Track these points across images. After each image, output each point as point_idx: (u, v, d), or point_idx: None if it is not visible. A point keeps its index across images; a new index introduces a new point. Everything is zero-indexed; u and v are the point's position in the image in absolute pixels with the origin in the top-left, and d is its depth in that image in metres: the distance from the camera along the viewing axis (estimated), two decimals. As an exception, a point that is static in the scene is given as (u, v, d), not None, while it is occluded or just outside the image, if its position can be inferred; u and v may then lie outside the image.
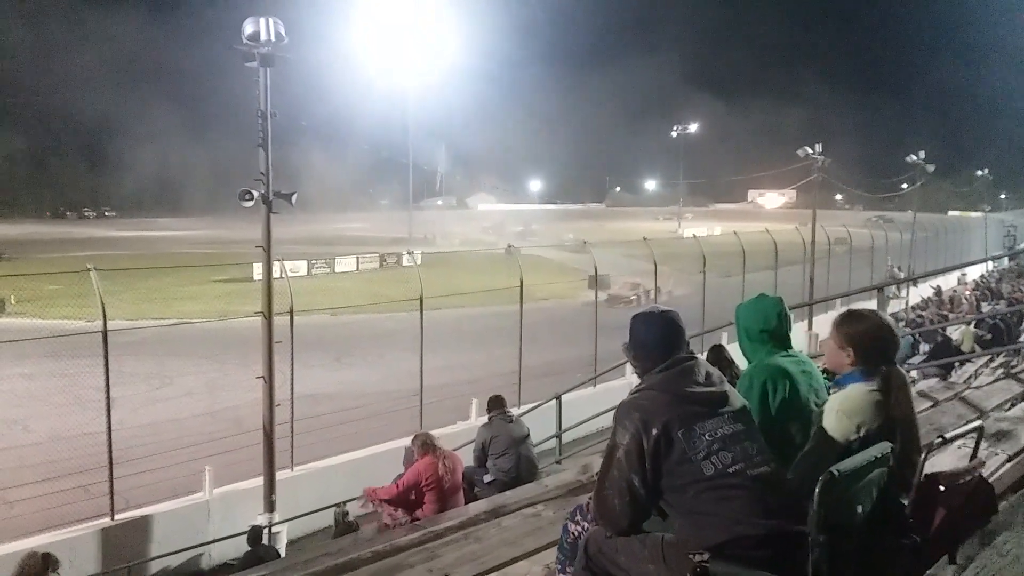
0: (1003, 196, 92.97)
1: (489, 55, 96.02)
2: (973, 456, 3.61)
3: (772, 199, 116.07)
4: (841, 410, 2.76)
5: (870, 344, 2.86)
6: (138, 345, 18.53)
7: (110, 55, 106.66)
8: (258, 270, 14.75)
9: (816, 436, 2.78)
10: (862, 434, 2.69)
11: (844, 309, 3.31)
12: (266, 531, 11.18)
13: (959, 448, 3.94)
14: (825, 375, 3.34)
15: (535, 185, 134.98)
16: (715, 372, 2.64)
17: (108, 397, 10.65)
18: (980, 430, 3.81)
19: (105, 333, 10.66)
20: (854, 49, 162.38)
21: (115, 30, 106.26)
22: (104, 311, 10.65)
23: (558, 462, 10.08)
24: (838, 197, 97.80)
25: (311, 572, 4.54)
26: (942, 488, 2.69)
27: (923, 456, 2.68)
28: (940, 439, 3.88)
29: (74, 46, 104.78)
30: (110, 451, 10.63)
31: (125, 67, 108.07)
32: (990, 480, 3.44)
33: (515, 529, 4.69)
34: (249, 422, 13.31)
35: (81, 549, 10.25)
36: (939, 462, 3.25)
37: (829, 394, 2.99)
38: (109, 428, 10.64)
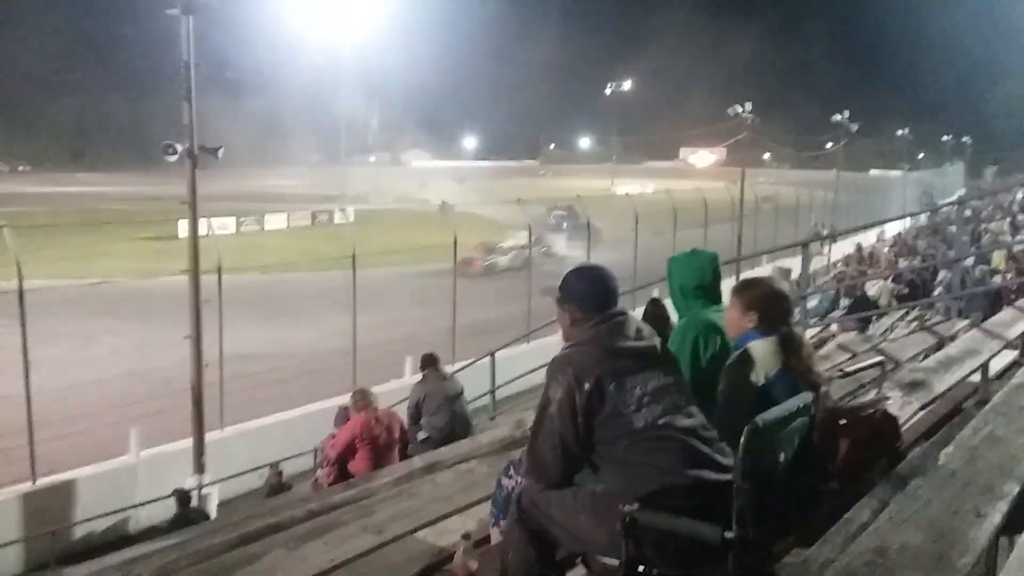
0: (921, 155, 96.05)
1: (423, 10, 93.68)
2: (878, 391, 3.77)
3: (703, 157, 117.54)
4: (746, 361, 2.89)
5: (771, 306, 3.00)
6: (60, 305, 17.86)
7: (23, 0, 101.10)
8: (184, 227, 14.33)
9: (726, 389, 2.88)
10: (764, 381, 2.84)
11: (774, 274, 3.42)
12: (195, 493, 11.04)
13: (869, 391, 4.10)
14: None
15: (469, 142, 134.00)
16: (646, 327, 2.66)
17: (26, 358, 10.29)
18: (882, 365, 3.98)
19: (21, 292, 10.27)
20: (784, 8, 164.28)
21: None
22: (19, 270, 10.23)
23: (492, 419, 10.17)
24: (767, 156, 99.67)
25: (244, 532, 4.50)
26: (843, 422, 2.87)
27: (822, 391, 2.85)
28: (840, 372, 4.05)
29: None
30: (29, 413, 10.31)
31: (40, 13, 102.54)
32: (904, 428, 3.58)
33: (449, 485, 4.72)
34: (177, 383, 13.04)
35: (2, 515, 9.96)
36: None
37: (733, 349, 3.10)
38: (28, 390, 10.30)
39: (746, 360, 2.91)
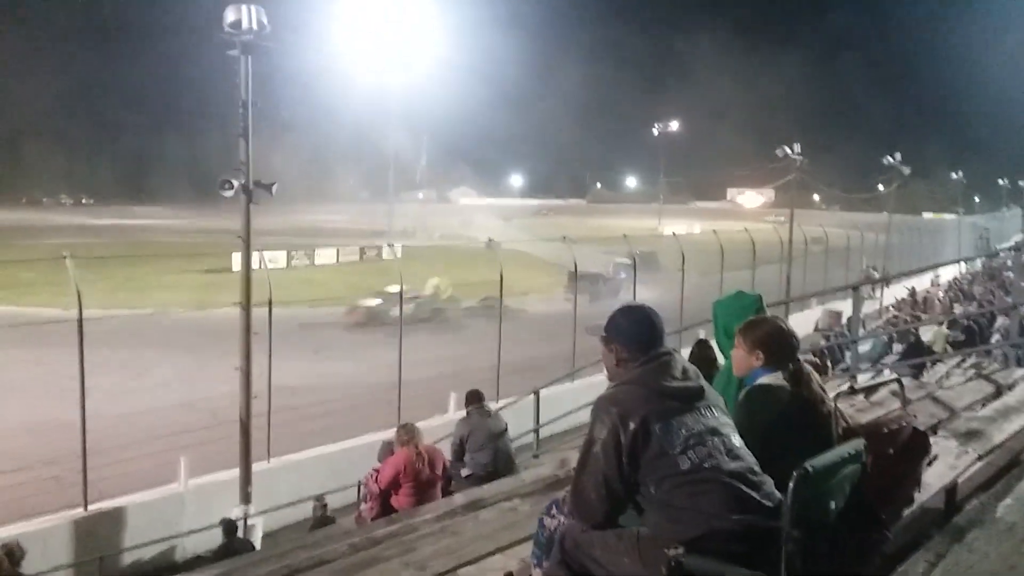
0: (976, 199, 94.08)
1: (472, 50, 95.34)
2: (904, 407, 3.68)
3: (751, 198, 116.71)
4: (756, 397, 2.88)
5: (776, 344, 2.98)
6: (114, 334, 18.32)
7: (89, 39, 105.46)
8: (237, 260, 14.64)
9: (739, 426, 2.85)
10: (776, 416, 2.81)
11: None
12: (241, 523, 11.11)
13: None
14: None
15: (516, 180, 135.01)
16: (691, 367, 2.64)
17: (83, 386, 10.53)
18: (900, 383, 3.90)
19: (80, 322, 10.54)
20: (835, 51, 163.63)
21: (95, 14, 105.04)
22: (80, 299, 10.52)
23: (535, 456, 10.10)
24: (816, 197, 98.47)
25: (286, 565, 4.52)
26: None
27: (835, 406, 2.88)
28: (849, 388, 3.97)
29: (51, 29, 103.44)
30: (84, 441, 10.52)
31: (105, 53, 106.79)
32: (959, 480, 3.48)
33: (492, 523, 4.69)
34: (226, 413, 13.22)
35: (53, 540, 10.13)
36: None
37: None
38: (83, 418, 10.52)
39: (756, 396, 2.91)
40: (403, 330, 15.08)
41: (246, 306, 11.86)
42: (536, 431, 10.77)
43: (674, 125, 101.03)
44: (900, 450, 2.88)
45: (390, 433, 7.76)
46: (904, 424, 3.04)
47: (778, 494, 2.37)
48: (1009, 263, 27.12)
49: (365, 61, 72.74)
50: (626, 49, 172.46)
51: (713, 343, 4.12)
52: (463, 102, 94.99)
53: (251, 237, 11.85)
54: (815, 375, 3.03)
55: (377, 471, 7.20)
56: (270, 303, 13.08)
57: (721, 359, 3.93)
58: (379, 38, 72.18)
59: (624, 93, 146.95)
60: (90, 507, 10.63)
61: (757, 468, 2.47)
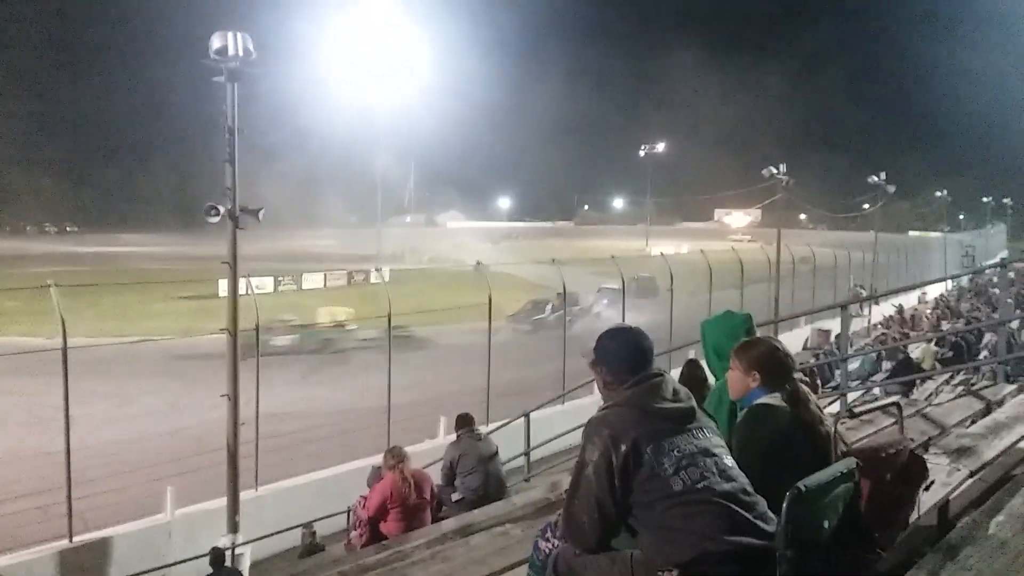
0: (961, 217, 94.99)
1: (458, 73, 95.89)
2: (901, 431, 3.69)
3: (738, 218, 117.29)
4: (755, 418, 2.86)
5: (772, 364, 2.99)
6: (99, 363, 18.16)
7: (73, 65, 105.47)
8: (224, 287, 14.59)
9: (739, 448, 2.85)
10: (775, 436, 2.81)
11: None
12: (229, 553, 10.97)
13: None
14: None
15: (504, 203, 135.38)
16: (682, 388, 2.65)
17: (67, 416, 10.41)
18: (898, 407, 3.92)
19: (65, 351, 10.44)
20: (818, 69, 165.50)
21: (78, 40, 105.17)
22: (64, 328, 10.43)
23: (527, 480, 10.06)
24: (802, 217, 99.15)
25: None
26: (859, 463, 2.79)
27: (834, 430, 2.88)
28: (848, 413, 4.00)
29: (33, 54, 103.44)
30: (68, 471, 10.39)
31: (89, 79, 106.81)
32: (951, 498, 3.49)
33: (484, 548, 4.66)
34: (212, 441, 13.09)
35: (38, 572, 9.98)
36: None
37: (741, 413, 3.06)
38: (68, 448, 10.39)
39: (754, 417, 2.91)
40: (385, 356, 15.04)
41: (232, 332, 11.80)
42: (527, 454, 10.72)
43: (660, 146, 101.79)
44: (897, 475, 2.88)
45: (379, 459, 7.71)
46: (901, 448, 3.05)
47: (772, 514, 2.37)
48: (995, 279, 27.38)
49: (352, 85, 73.24)
50: (610, 71, 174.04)
51: (703, 363, 4.13)
52: (450, 125, 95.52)
53: (237, 263, 11.81)
54: (812, 395, 3.03)
55: (365, 498, 7.15)
56: (257, 329, 13.00)
57: (712, 379, 3.94)
58: (365, 62, 72.73)
59: (609, 114, 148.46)
60: (75, 538, 10.47)
61: (750, 489, 2.47)
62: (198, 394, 15.76)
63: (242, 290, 12.10)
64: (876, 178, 43.99)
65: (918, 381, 11.59)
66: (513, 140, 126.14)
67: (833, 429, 2.89)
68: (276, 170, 65.59)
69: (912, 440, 3.66)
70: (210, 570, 9.79)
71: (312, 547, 9.93)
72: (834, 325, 22.75)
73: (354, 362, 23.50)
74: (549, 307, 32.50)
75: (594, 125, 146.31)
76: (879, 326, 25.33)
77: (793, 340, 24.29)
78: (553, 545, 2.81)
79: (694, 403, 2.63)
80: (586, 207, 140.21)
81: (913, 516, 3.08)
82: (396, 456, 7.03)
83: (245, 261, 12.37)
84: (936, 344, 15.29)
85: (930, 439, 4.28)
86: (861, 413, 3.99)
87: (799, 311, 24.52)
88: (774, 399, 2.91)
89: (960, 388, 10.09)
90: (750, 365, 3.01)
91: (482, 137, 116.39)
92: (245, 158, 11.78)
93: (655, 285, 30.88)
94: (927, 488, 3.09)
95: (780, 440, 2.78)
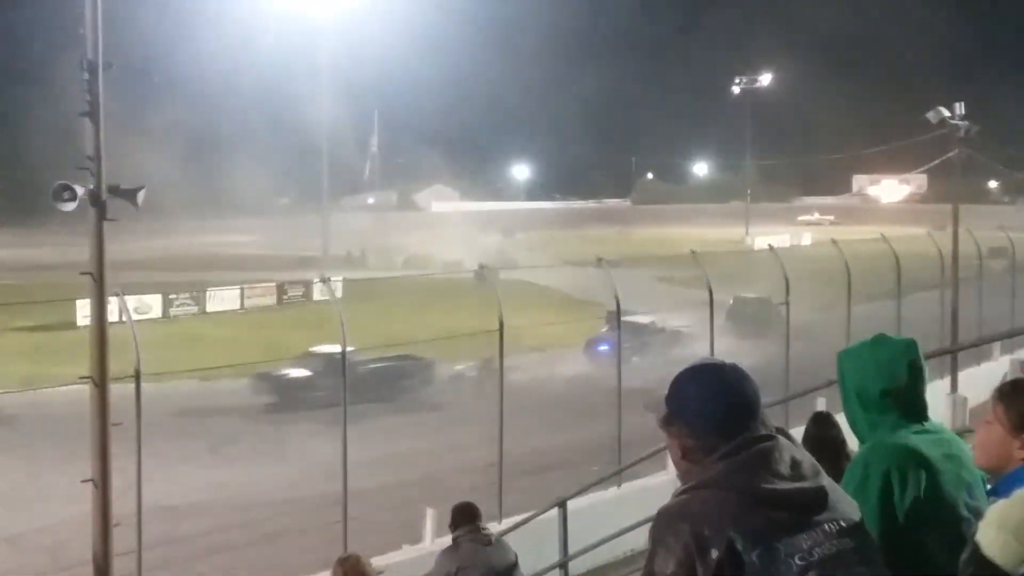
0: None
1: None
2: None
3: (890, 189, 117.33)
4: (1009, 527, 2.75)
5: None
6: None
7: None
8: (84, 310, 14.63)
9: (969, 566, 2.77)
10: None
11: (1012, 375, 3.28)
12: None
13: None
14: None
15: (520, 173, 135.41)
16: (806, 458, 2.63)
17: None
18: None
19: None
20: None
21: None
22: None
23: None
24: (992, 184, 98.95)
25: None
26: None
27: None
28: None
29: None
30: None
31: None
32: None
33: None
34: (73, 552, 13.13)
35: None
36: None
37: (988, 502, 2.98)
38: None
39: (1008, 523, 2.62)
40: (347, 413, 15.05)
41: (99, 381, 11.82)
42: (564, 566, 10.71)
43: (763, 79, 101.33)
44: None
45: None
46: None
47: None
48: None
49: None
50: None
51: (839, 418, 4.09)
52: (434, 52, 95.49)
53: (106, 272, 11.84)
54: None
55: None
56: (138, 376, 13.01)
57: (853, 442, 3.91)
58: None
59: (684, 28, 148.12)
60: None
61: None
62: (47, 478, 15.82)
63: (113, 315, 12.11)
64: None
65: None
66: (533, 75, 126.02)
67: None
68: (167, 131, 65.97)
69: None
70: None
71: None
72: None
73: (297, 422, 23.52)
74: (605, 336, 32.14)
75: (659, 47, 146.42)
76: None
77: (984, 378, 24.09)
78: None
79: (825, 481, 2.60)
80: (649, 175, 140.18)
81: None
82: (352, 572, 7.02)
83: (119, 270, 12.44)
84: None
85: None
86: None
87: (991, 334, 24.35)
88: None
89: None
90: (1019, 423, 2.94)
91: (484, 71, 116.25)
92: (119, 114, 11.86)
93: (769, 311, 30.15)
94: None
95: None
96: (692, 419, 2.63)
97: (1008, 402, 2.98)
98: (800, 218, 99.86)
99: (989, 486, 3.07)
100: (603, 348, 30.25)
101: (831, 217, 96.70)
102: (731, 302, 28.12)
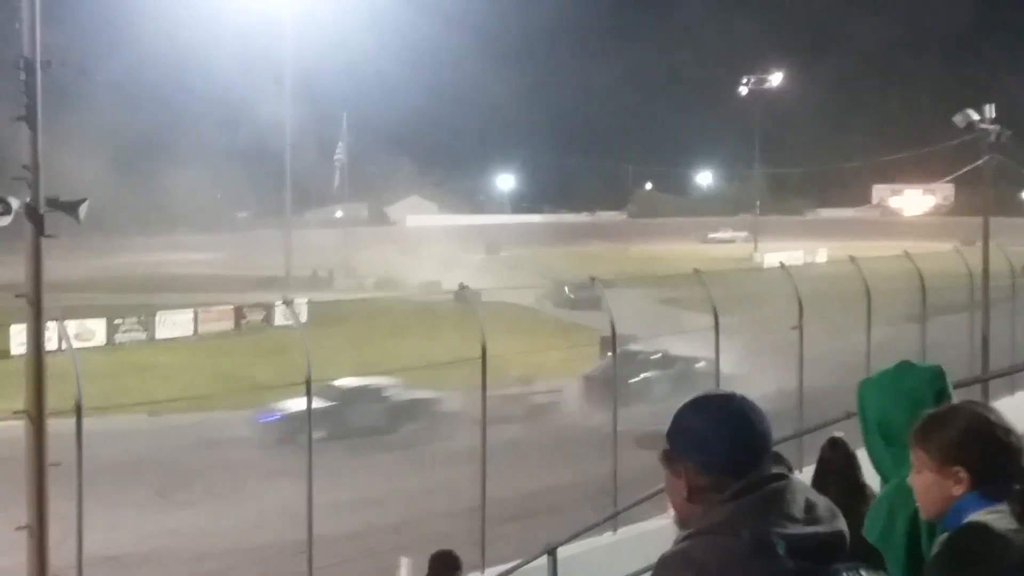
0: None
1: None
2: None
3: (913, 200, 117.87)
4: (963, 556, 2.79)
5: (988, 450, 2.93)
6: None
7: None
8: (19, 336, 14.56)
9: None
10: None
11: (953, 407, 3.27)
12: None
13: None
14: None
15: (505, 183, 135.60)
16: (822, 500, 2.63)
17: None
18: None
19: None
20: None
21: None
22: None
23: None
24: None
25: None
26: None
27: None
28: None
29: None
30: None
31: None
32: None
33: None
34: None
35: None
36: None
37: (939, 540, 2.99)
38: None
39: (965, 549, 2.81)
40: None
41: (35, 416, 11.78)
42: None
43: (773, 78, 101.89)
44: None
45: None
46: None
47: None
48: None
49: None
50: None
51: (860, 453, 4.09)
52: (409, 56, 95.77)
53: (44, 295, 11.81)
54: None
55: None
56: (79, 409, 12.93)
57: (875, 482, 3.90)
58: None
59: (689, 25, 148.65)
60: None
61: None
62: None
63: (52, 343, 12.06)
64: None
65: None
66: (518, 75, 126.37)
67: None
68: (111, 137, 65.79)
69: None
70: None
71: None
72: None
73: (256, 463, 23.43)
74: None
75: (658, 46, 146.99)
76: None
77: (1017, 410, 24.14)
78: None
79: (843, 525, 2.60)
80: (648, 186, 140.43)
81: None
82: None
83: (58, 292, 12.40)
84: None
85: None
86: None
87: (1026, 362, 24.41)
88: (996, 516, 2.84)
89: None
90: (947, 455, 2.96)
91: (465, 70, 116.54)
92: (56, 116, 11.83)
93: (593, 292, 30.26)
94: None
95: None
96: (698, 456, 2.62)
97: (925, 442, 3.03)
98: (710, 235, 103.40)
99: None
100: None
101: (744, 233, 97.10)
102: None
